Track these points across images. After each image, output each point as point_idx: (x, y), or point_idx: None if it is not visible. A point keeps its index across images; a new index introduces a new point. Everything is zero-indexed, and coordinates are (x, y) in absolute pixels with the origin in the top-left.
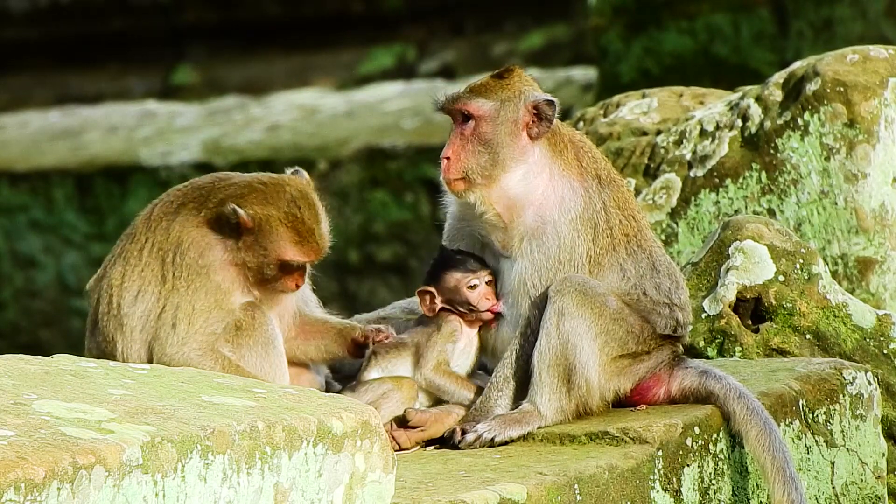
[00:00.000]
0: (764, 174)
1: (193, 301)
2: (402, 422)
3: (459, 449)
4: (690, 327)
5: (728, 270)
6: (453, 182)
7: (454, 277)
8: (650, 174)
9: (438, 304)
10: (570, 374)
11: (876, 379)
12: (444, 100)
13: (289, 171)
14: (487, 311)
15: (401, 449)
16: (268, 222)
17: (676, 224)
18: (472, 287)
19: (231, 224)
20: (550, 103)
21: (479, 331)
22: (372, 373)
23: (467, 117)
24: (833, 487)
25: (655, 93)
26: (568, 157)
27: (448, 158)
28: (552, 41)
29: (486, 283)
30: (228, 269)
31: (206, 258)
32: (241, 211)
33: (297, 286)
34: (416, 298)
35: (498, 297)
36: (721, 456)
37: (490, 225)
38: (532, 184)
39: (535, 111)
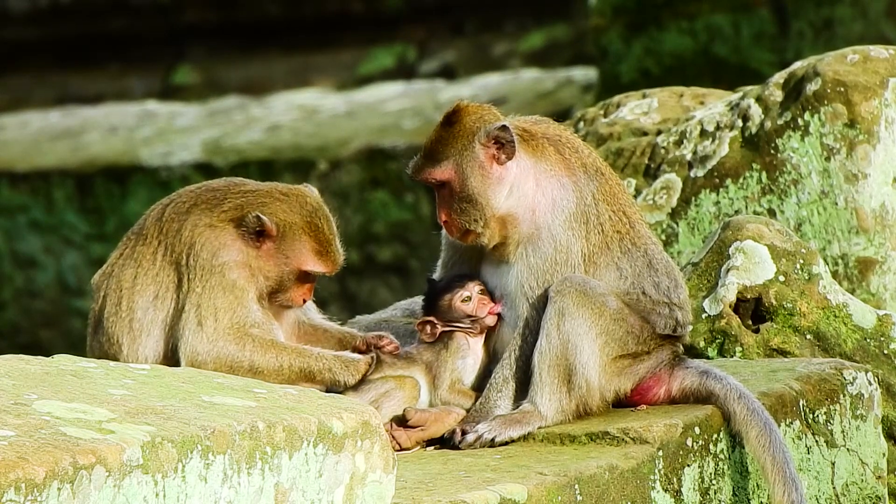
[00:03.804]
0: (764, 174)
1: (213, 299)
2: (401, 421)
3: (460, 449)
4: (690, 327)
5: (728, 271)
6: (461, 238)
7: (446, 298)
8: (650, 174)
9: (439, 328)
10: (571, 374)
11: (876, 379)
12: (410, 173)
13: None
14: (488, 314)
15: (401, 448)
16: (291, 230)
17: (677, 224)
18: (466, 300)
19: (251, 231)
20: (504, 128)
21: (485, 342)
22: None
23: (438, 183)
24: (833, 488)
25: (656, 93)
26: (549, 154)
27: (445, 222)
28: (552, 41)
29: (479, 292)
30: (243, 270)
31: (220, 258)
32: (265, 218)
33: (304, 301)
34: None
35: (495, 299)
36: (721, 456)
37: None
38: (520, 193)
39: (494, 143)
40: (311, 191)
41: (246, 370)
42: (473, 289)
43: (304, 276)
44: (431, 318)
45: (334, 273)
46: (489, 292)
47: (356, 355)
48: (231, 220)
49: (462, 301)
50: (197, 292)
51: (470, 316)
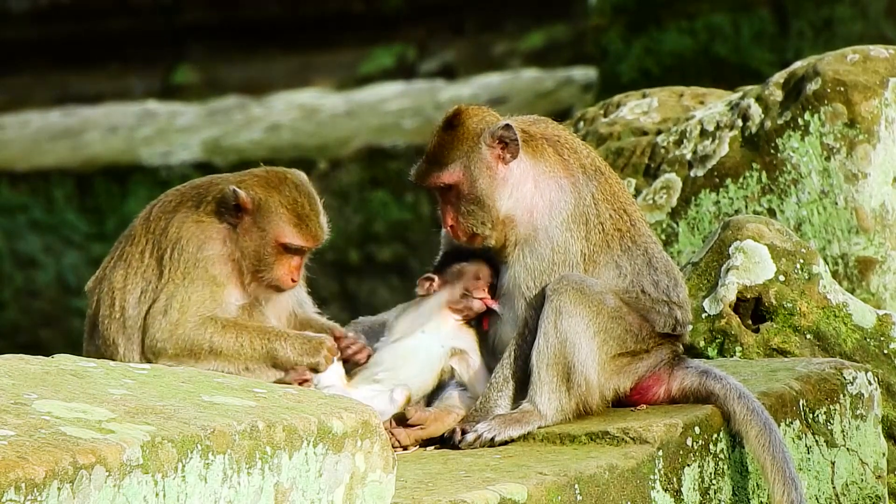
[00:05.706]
0: (764, 174)
1: (189, 291)
2: (401, 420)
3: (459, 449)
4: (690, 326)
5: (728, 270)
6: (469, 242)
7: (461, 263)
8: (650, 174)
9: (435, 286)
10: (570, 372)
11: (876, 379)
12: (415, 178)
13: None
14: (480, 300)
15: (400, 446)
16: (267, 203)
17: (677, 224)
18: (477, 277)
19: (230, 209)
20: (507, 127)
21: (475, 327)
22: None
23: (445, 187)
24: (833, 487)
25: (656, 93)
26: (548, 155)
27: (452, 226)
28: (552, 41)
29: (488, 281)
30: (226, 264)
31: (205, 251)
32: (240, 192)
33: (293, 281)
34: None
35: (494, 297)
36: (721, 456)
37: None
38: (519, 195)
39: (499, 142)
40: (293, 172)
41: (207, 352)
42: (487, 274)
43: (284, 251)
44: (433, 276)
45: (315, 247)
46: (494, 288)
47: (319, 335)
48: (215, 213)
49: (475, 277)
50: (175, 282)
51: (466, 292)
